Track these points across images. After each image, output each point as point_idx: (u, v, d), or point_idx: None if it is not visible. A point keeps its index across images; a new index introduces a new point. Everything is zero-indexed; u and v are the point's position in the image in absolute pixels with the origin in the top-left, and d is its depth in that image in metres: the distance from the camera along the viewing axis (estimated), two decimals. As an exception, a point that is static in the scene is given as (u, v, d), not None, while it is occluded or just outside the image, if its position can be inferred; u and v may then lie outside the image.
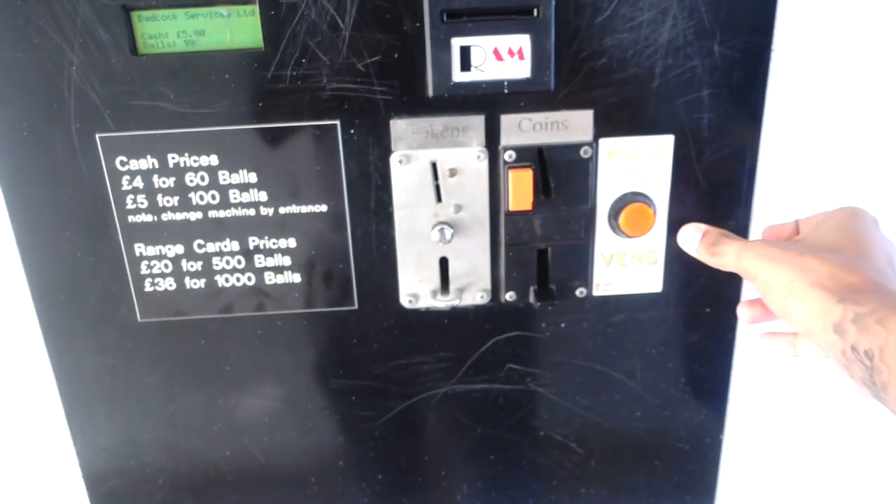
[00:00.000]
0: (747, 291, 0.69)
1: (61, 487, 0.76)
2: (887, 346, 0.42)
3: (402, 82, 0.60)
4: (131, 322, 0.67)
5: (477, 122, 0.61)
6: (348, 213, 0.64)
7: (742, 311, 0.58)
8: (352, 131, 0.61)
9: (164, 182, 0.62)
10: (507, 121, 0.61)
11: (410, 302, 0.67)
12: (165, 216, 0.63)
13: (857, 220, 0.52)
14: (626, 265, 0.67)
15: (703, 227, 0.56)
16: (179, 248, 0.64)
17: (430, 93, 0.59)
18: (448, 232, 0.63)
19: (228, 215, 0.63)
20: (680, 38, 0.60)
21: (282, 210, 0.63)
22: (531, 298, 0.66)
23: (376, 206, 0.64)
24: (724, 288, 0.69)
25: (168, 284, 0.65)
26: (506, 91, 0.60)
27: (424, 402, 0.72)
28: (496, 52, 0.59)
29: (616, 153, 0.63)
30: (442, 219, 0.64)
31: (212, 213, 0.63)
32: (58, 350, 0.68)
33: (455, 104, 0.61)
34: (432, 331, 0.69)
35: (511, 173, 0.62)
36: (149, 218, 0.63)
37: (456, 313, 0.68)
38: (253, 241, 0.64)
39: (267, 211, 0.63)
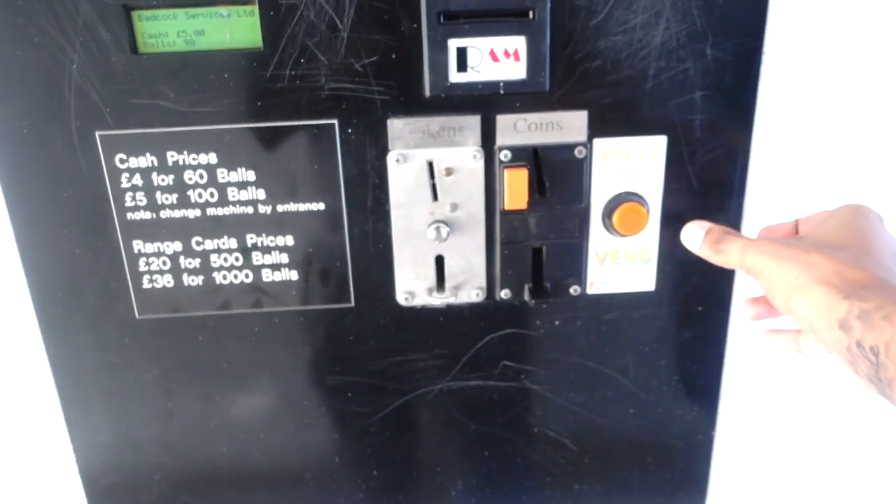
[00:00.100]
0: (739, 290, 0.70)
1: (58, 483, 0.77)
2: (893, 342, 0.42)
3: (400, 82, 0.60)
4: (129, 319, 0.67)
5: (473, 122, 0.62)
6: (345, 212, 0.64)
7: (746, 308, 0.58)
8: (349, 131, 0.62)
9: (163, 180, 0.63)
10: (503, 121, 0.62)
11: (406, 299, 0.67)
12: (164, 214, 0.64)
13: (861, 216, 0.52)
14: (619, 264, 0.68)
15: (706, 224, 0.56)
16: (178, 246, 0.65)
17: (427, 93, 0.60)
18: (444, 230, 0.64)
19: (227, 213, 0.64)
20: (673, 40, 0.60)
21: (280, 208, 0.64)
22: (526, 296, 0.67)
23: (373, 205, 0.64)
24: (716, 287, 0.70)
25: (166, 281, 0.66)
26: (502, 92, 0.60)
27: (420, 399, 0.72)
28: (492, 54, 0.59)
29: (610, 153, 0.64)
30: (438, 217, 0.65)
31: (210, 211, 0.64)
32: (56, 346, 0.68)
33: (451, 104, 0.61)
34: (428, 328, 0.69)
35: (506, 173, 0.62)
36: (147, 215, 0.64)
37: (451, 311, 0.69)
38: (251, 239, 0.65)
39: (265, 209, 0.64)
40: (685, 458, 0.77)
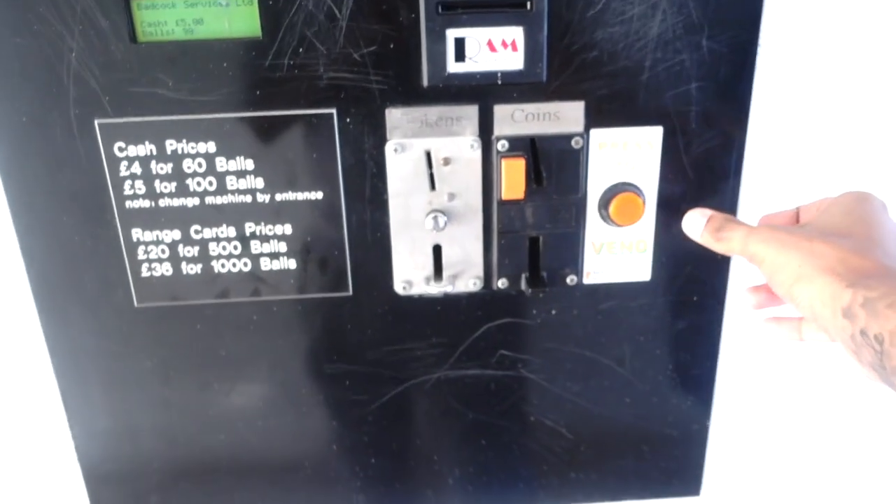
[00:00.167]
0: (734, 280, 0.71)
1: (57, 471, 0.77)
2: None
3: (398, 72, 0.61)
4: (128, 307, 0.68)
5: (471, 112, 0.62)
6: (344, 201, 0.65)
7: (747, 297, 0.58)
8: (348, 120, 0.62)
9: (161, 168, 0.63)
10: (501, 111, 0.63)
11: (404, 288, 0.68)
12: (163, 202, 0.64)
13: (865, 204, 0.51)
14: (615, 254, 0.68)
15: (707, 212, 0.55)
16: (176, 234, 0.65)
17: (425, 83, 0.61)
18: (442, 220, 0.64)
19: (225, 202, 0.64)
20: (669, 32, 0.61)
21: (278, 197, 0.64)
22: (523, 286, 0.67)
23: (371, 194, 0.65)
24: (712, 277, 0.70)
25: (165, 270, 0.66)
26: (499, 82, 0.61)
27: (417, 388, 0.73)
28: (490, 44, 0.60)
29: (606, 144, 0.64)
30: (436, 207, 0.65)
31: (209, 200, 0.64)
32: (55, 334, 0.69)
33: (449, 94, 0.62)
34: (425, 317, 0.70)
35: (504, 162, 0.63)
36: (146, 204, 0.64)
37: (449, 300, 0.69)
38: (249, 228, 0.65)
39: (263, 198, 0.64)
40: (680, 446, 0.77)
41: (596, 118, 0.63)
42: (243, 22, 0.59)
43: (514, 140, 0.63)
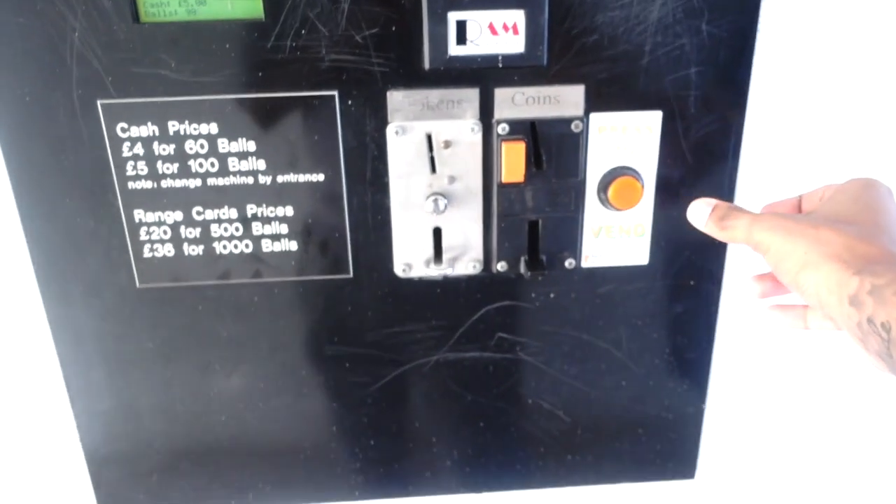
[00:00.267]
0: (731, 265, 0.71)
1: (59, 451, 0.78)
2: None
3: (400, 55, 0.61)
4: (130, 287, 0.68)
5: (472, 95, 0.63)
6: (345, 183, 0.65)
7: (752, 285, 0.57)
8: (349, 102, 0.62)
9: (164, 149, 0.63)
10: (501, 94, 0.63)
11: (404, 271, 0.68)
12: (165, 183, 0.64)
13: (871, 190, 0.51)
14: (613, 238, 0.69)
15: (713, 201, 0.54)
16: (178, 215, 0.65)
17: (427, 66, 0.61)
18: (442, 202, 0.65)
19: (227, 183, 0.65)
20: (669, 16, 0.61)
21: (280, 179, 0.65)
22: (522, 269, 0.68)
23: (372, 177, 0.65)
24: (709, 261, 0.71)
25: (167, 251, 0.67)
26: (500, 65, 0.61)
27: (416, 370, 0.73)
28: (491, 27, 0.60)
29: (606, 128, 0.65)
30: (436, 189, 0.65)
31: (211, 181, 0.64)
32: (57, 314, 0.69)
33: (450, 77, 0.62)
34: (425, 299, 0.70)
35: (504, 146, 0.63)
36: (148, 184, 0.64)
37: (448, 282, 0.70)
38: (251, 209, 0.66)
39: (265, 179, 0.64)
40: (676, 430, 0.78)
41: (596, 102, 0.64)
42: (246, 3, 0.59)
43: (515, 123, 0.63)
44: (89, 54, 0.59)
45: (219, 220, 0.66)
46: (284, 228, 0.66)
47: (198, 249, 0.67)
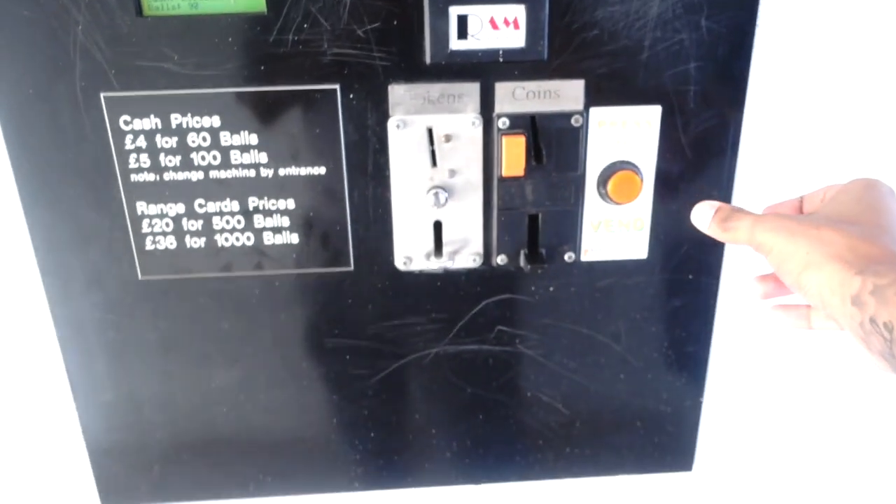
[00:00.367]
0: (729, 259, 0.72)
1: (61, 442, 0.78)
2: None
3: (401, 49, 0.61)
4: (132, 279, 0.68)
5: (472, 89, 0.63)
6: (346, 176, 0.65)
7: (754, 286, 0.57)
8: (351, 96, 0.63)
9: (166, 142, 0.64)
10: (502, 89, 0.63)
11: (405, 264, 0.69)
12: (167, 176, 0.65)
13: (873, 190, 0.51)
14: (613, 232, 0.69)
15: (716, 203, 0.54)
16: (181, 208, 0.66)
17: (428, 60, 0.61)
18: (442, 196, 0.65)
19: (229, 176, 0.65)
20: (669, 11, 0.62)
21: (281, 172, 0.65)
22: (521, 262, 0.68)
23: (373, 170, 0.66)
24: (707, 255, 0.71)
25: (169, 243, 0.67)
26: (501, 60, 0.62)
27: (416, 363, 0.74)
28: (492, 22, 0.60)
29: (605, 122, 0.65)
30: (437, 183, 0.66)
31: (213, 174, 0.65)
32: (59, 306, 0.69)
33: (451, 72, 0.62)
34: (425, 293, 0.71)
35: (504, 140, 0.64)
36: (151, 177, 0.65)
37: (449, 276, 0.70)
38: (253, 202, 0.66)
39: (267, 172, 0.65)
40: (674, 423, 0.79)
41: (595, 97, 0.64)
42: (248, -3, 0.59)
43: (515, 118, 0.64)
44: (92, 47, 0.60)
45: (221, 213, 0.66)
46: (286, 221, 0.67)
47: (200, 242, 0.67)
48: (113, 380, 0.73)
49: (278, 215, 0.67)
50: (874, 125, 0.69)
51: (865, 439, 0.85)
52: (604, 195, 0.67)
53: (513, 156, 0.64)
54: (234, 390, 0.74)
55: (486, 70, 0.63)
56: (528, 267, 0.68)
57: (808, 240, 0.47)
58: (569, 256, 0.69)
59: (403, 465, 0.80)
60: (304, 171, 0.65)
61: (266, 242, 0.68)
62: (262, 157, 0.64)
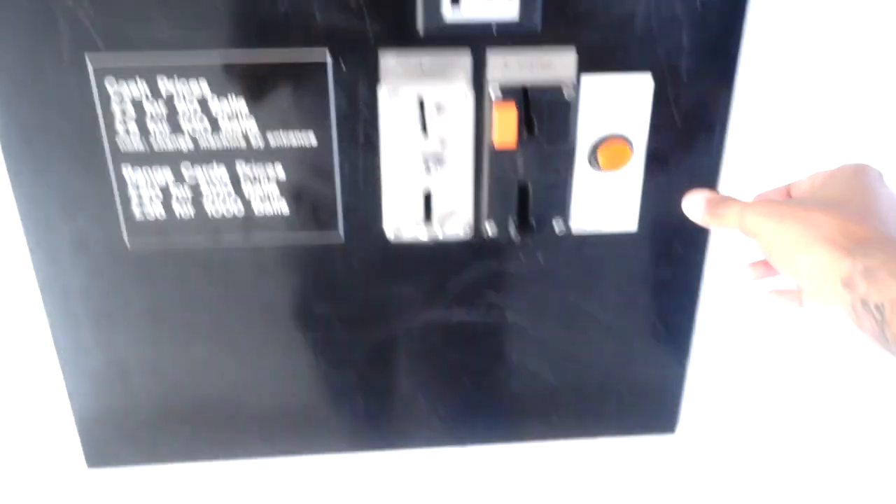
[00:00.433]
0: (717, 233, 0.72)
1: (47, 408, 0.78)
2: None
3: (393, 17, 0.60)
4: (120, 248, 0.68)
5: (464, 59, 0.63)
6: (336, 145, 0.65)
7: (747, 271, 0.58)
8: (341, 64, 0.62)
9: (154, 109, 0.63)
10: (494, 58, 0.63)
11: (395, 234, 0.69)
12: (155, 143, 0.64)
13: (862, 175, 0.51)
14: (603, 204, 0.70)
15: (706, 193, 0.54)
16: (169, 176, 0.65)
17: (420, 29, 0.61)
18: (433, 166, 0.65)
19: (218, 144, 0.64)
20: (663, -18, 0.61)
21: (271, 140, 0.64)
22: (511, 233, 0.68)
23: (364, 139, 0.65)
24: (696, 229, 0.71)
25: (157, 212, 0.67)
26: (494, 30, 0.61)
27: (405, 331, 0.75)
28: (485, -10, 0.60)
29: (597, 92, 0.65)
30: (427, 153, 0.66)
31: (202, 142, 0.64)
32: (46, 275, 0.69)
33: (444, 41, 0.62)
34: (415, 262, 0.71)
35: (496, 110, 0.63)
36: (139, 144, 0.64)
37: (438, 245, 0.70)
38: (242, 170, 0.65)
39: (256, 140, 0.64)
40: (658, 388, 0.80)
41: (588, 68, 0.64)
42: (237, -40, 0.58)
43: (507, 88, 0.63)
44: (79, 11, 0.58)
45: (210, 181, 0.66)
46: (275, 190, 0.66)
47: (189, 210, 0.67)
48: (100, 346, 0.73)
49: (268, 184, 0.66)
50: (865, 105, 0.70)
51: (847, 406, 0.87)
52: (593, 162, 0.67)
53: (504, 125, 0.64)
54: (222, 357, 0.75)
55: (478, 40, 0.62)
56: (518, 238, 0.68)
57: (797, 222, 0.47)
58: (559, 228, 0.69)
59: (391, 432, 0.81)
60: (293, 139, 0.64)
61: (256, 212, 0.67)
62: (252, 126, 0.64)
